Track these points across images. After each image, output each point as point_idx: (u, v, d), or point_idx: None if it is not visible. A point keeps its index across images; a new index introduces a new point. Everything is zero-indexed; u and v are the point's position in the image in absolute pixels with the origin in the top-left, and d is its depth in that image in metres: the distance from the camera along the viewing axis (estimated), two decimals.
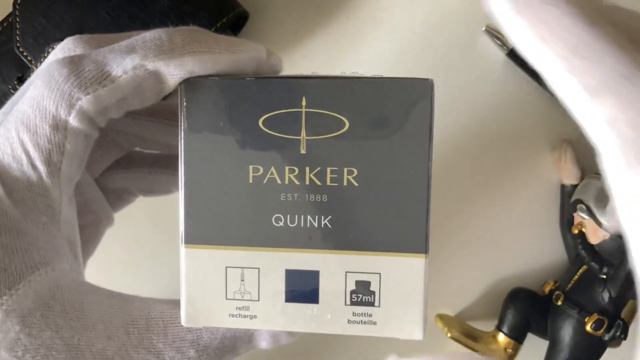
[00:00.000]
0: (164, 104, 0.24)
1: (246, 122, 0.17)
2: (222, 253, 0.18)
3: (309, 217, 0.18)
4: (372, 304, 0.18)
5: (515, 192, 0.33)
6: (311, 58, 0.33)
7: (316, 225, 0.18)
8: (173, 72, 0.17)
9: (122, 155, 0.24)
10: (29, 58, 0.29)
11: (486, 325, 0.33)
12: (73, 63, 0.17)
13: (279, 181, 0.17)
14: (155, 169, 0.25)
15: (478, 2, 0.32)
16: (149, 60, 0.17)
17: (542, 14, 0.14)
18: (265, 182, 0.17)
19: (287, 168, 0.17)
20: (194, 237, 0.18)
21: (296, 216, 0.18)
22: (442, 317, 0.33)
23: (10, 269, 0.17)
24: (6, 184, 0.17)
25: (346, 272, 0.18)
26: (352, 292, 0.18)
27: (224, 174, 0.18)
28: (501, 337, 0.32)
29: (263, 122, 0.17)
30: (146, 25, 0.29)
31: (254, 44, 0.19)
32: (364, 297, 0.18)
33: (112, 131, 0.23)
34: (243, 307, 0.18)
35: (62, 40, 0.28)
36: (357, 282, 0.18)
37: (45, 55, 0.29)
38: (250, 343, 0.19)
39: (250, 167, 0.17)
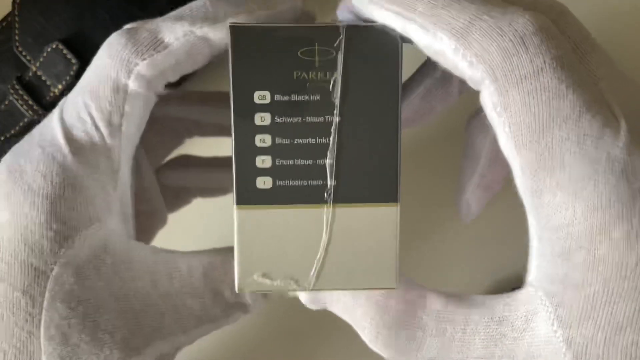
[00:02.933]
0: (213, 92, 0.26)
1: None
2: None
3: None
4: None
5: (516, 192, 0.33)
6: None
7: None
8: (219, 35, 0.19)
9: (179, 144, 0.26)
10: (28, 58, 0.29)
11: None
12: (130, 32, 0.19)
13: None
14: (212, 168, 0.27)
15: None
16: (197, 27, 0.18)
17: None
18: None
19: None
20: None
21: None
22: None
23: (70, 222, 0.18)
24: (71, 143, 0.19)
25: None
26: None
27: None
28: None
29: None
30: None
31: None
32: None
33: (168, 118, 0.25)
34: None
35: (61, 40, 0.29)
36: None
37: (45, 55, 0.29)
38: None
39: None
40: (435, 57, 0.17)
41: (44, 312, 0.18)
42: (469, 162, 0.24)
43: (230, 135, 0.18)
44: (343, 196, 0.17)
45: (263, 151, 0.17)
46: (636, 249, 0.15)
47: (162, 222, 0.27)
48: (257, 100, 0.17)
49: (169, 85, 0.21)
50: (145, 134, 0.24)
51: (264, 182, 0.17)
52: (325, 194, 0.17)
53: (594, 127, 0.15)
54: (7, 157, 0.20)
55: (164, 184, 0.26)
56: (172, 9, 0.29)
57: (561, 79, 0.15)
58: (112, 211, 0.20)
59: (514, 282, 0.33)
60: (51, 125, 0.19)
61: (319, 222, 0.17)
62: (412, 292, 0.18)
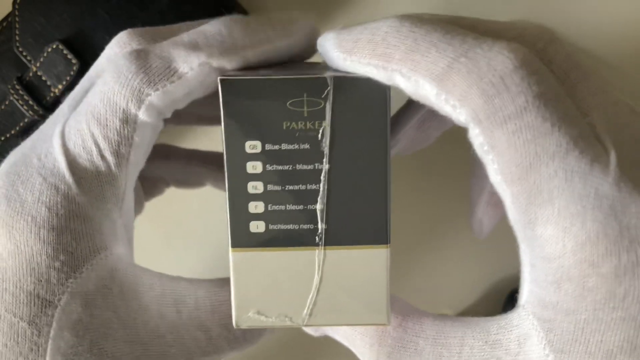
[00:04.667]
0: (199, 151, 0.26)
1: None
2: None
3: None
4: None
5: None
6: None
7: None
8: (235, 66, 0.18)
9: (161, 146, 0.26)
10: (28, 58, 0.29)
11: None
12: (140, 59, 0.18)
13: None
14: (192, 161, 0.27)
15: (478, 4, 0.32)
16: (214, 59, 0.18)
17: (366, 43, 0.16)
18: None
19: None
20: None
21: None
22: None
23: (77, 252, 0.18)
24: (75, 173, 0.18)
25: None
26: None
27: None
28: None
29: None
30: (146, 25, 0.29)
31: (305, 22, 0.19)
32: None
33: (150, 174, 0.25)
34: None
35: (61, 40, 0.29)
36: None
37: (45, 55, 0.29)
38: None
39: None
40: (423, 101, 0.17)
41: (50, 341, 0.17)
42: (477, 180, 0.24)
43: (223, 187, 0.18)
44: (334, 239, 0.18)
45: (255, 197, 0.18)
46: (624, 282, 0.15)
47: (139, 211, 0.26)
48: (248, 150, 0.18)
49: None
50: None
51: (257, 226, 0.18)
52: (317, 237, 0.18)
53: (582, 163, 0.15)
54: (1, 183, 0.19)
55: (142, 174, 0.26)
56: (173, 10, 0.29)
57: (545, 117, 0.15)
58: (117, 238, 0.19)
59: (514, 283, 0.33)
60: (52, 153, 0.19)
61: (310, 263, 0.18)
62: (408, 318, 0.19)
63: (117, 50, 0.19)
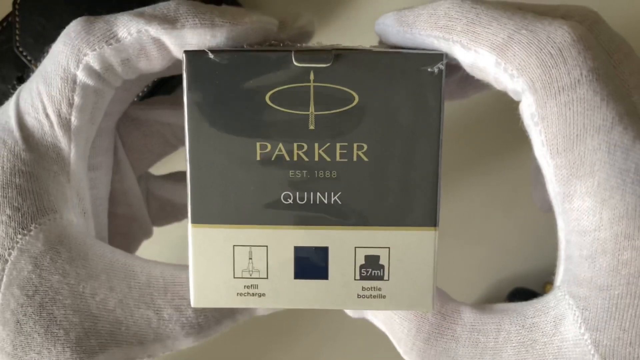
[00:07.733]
0: None
1: (252, 98, 0.17)
2: (230, 232, 0.18)
3: (318, 194, 0.18)
4: (381, 278, 0.18)
5: (516, 192, 0.33)
6: None
7: (326, 202, 0.18)
8: (174, 42, 0.18)
9: (169, 151, 0.26)
10: (28, 58, 0.29)
11: None
12: (88, 21, 0.19)
13: (287, 158, 0.18)
14: None
15: None
16: (152, 27, 0.18)
17: (428, 17, 0.17)
18: (273, 159, 0.18)
19: (295, 144, 0.17)
20: (200, 216, 0.18)
21: (305, 193, 0.18)
22: None
23: (23, 209, 0.18)
24: (23, 129, 0.19)
25: (355, 248, 0.18)
26: (361, 266, 0.18)
27: (231, 150, 0.17)
28: None
29: (270, 97, 0.17)
30: None
31: (262, 17, 0.19)
32: (373, 272, 0.18)
33: (156, 122, 0.25)
34: (251, 285, 0.18)
35: None
36: (367, 257, 0.18)
37: (45, 55, 0.29)
38: (248, 310, 0.20)
39: (258, 143, 0.17)
40: (478, 75, 0.18)
41: (0, 295, 0.18)
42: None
43: None
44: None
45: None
46: None
47: (146, 231, 0.26)
48: None
49: (162, 92, 0.20)
50: (129, 135, 0.23)
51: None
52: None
53: (625, 138, 0.16)
54: None
55: (153, 193, 0.26)
56: None
57: (596, 91, 0.16)
58: (68, 203, 0.19)
59: (514, 283, 0.33)
60: (7, 110, 0.19)
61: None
62: (446, 306, 0.19)
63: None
